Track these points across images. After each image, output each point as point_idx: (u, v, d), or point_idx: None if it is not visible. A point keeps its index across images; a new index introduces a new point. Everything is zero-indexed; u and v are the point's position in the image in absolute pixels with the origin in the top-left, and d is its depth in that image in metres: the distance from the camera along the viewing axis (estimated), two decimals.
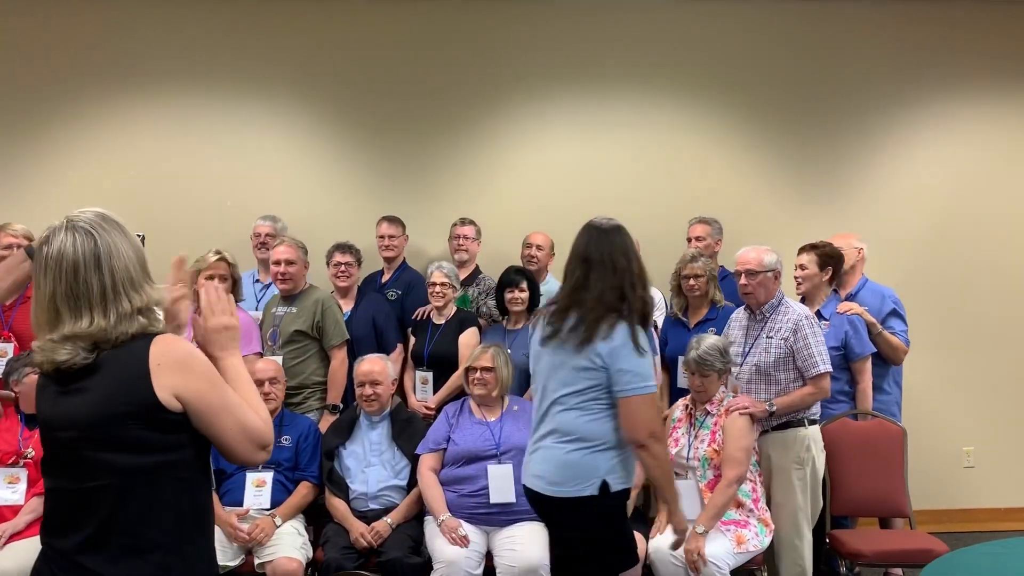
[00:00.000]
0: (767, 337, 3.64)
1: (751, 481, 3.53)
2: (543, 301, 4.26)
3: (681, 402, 3.77)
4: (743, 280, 3.74)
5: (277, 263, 4.13)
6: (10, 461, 3.44)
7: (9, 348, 3.84)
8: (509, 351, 3.96)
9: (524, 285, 4.18)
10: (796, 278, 4.13)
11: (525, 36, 5.22)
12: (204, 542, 1.76)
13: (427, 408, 4.18)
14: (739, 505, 3.49)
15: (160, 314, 1.75)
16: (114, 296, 1.66)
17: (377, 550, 3.48)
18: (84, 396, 1.64)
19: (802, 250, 4.15)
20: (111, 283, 1.66)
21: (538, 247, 4.62)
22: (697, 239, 4.61)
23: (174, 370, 1.64)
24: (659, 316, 4.60)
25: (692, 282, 4.15)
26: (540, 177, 5.20)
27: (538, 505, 2.70)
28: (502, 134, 5.23)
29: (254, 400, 1.76)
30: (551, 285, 4.57)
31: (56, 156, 5.03)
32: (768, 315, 3.68)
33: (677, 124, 5.28)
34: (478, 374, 3.69)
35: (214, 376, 1.70)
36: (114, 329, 1.65)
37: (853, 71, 5.34)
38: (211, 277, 3.84)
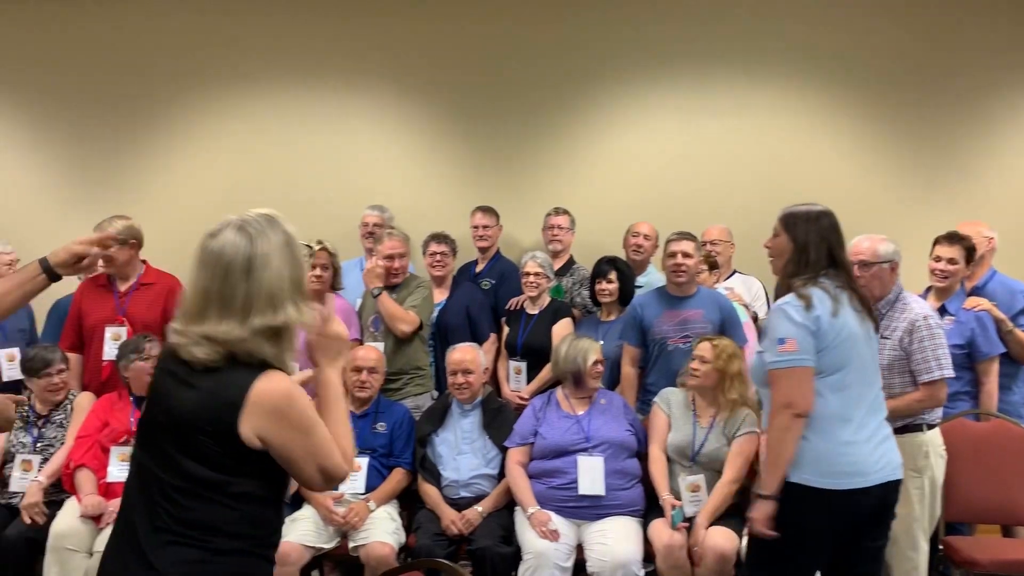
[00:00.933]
0: (881, 337, 3.35)
1: None
2: (640, 292, 4.19)
3: None
4: (856, 272, 3.53)
5: (389, 258, 4.18)
6: (122, 440, 3.62)
7: (123, 332, 4.02)
8: (602, 342, 3.90)
9: (612, 276, 4.12)
10: (936, 272, 3.80)
11: (619, 21, 5.13)
12: (262, 545, 1.73)
13: (520, 398, 4.17)
14: None
15: (294, 340, 1.71)
16: (252, 308, 1.64)
17: (468, 538, 3.49)
18: (188, 393, 1.66)
19: (943, 241, 3.81)
20: (255, 292, 1.65)
21: (645, 236, 4.55)
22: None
23: (267, 416, 1.64)
24: (761, 307, 4.46)
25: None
26: (638, 166, 5.12)
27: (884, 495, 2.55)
28: (598, 122, 5.17)
29: (341, 427, 1.73)
30: (652, 276, 4.49)
31: (168, 150, 5.29)
32: (884, 312, 3.28)
33: (782, 108, 5.10)
34: (599, 366, 3.67)
35: (305, 422, 1.67)
36: (247, 343, 1.64)
37: (974, 53, 5.00)
38: (313, 267, 3.95)
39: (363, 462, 3.69)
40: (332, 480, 1.71)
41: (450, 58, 5.18)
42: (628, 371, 3.96)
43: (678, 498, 3.47)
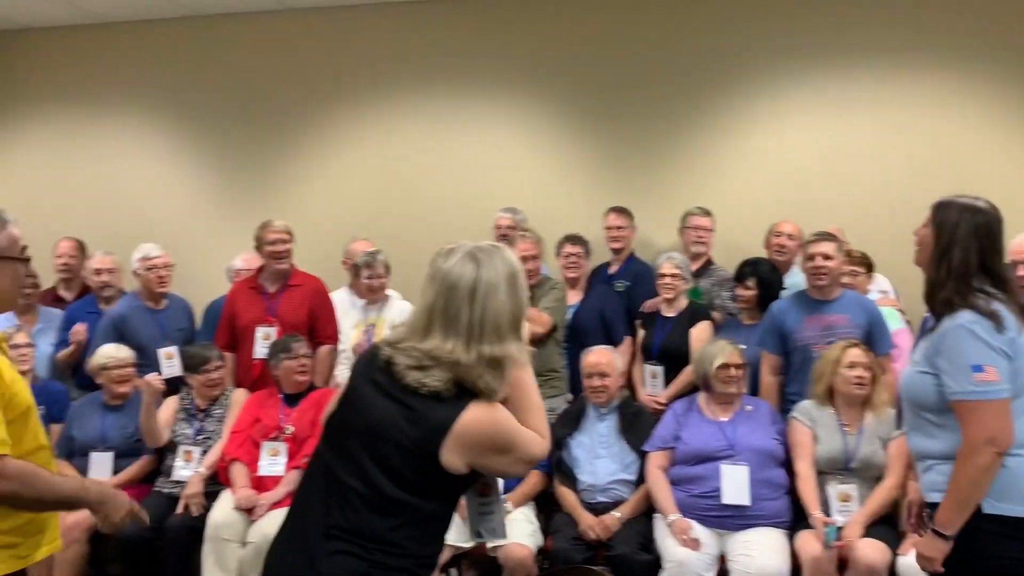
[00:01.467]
0: None
1: None
2: (787, 295, 4.03)
3: None
4: (1019, 272, 3.28)
5: (522, 260, 4.16)
6: (272, 436, 3.78)
7: (272, 332, 4.20)
8: (743, 347, 3.78)
9: (751, 283, 3.99)
10: None
11: (757, 16, 4.96)
12: (422, 566, 1.74)
13: (657, 403, 4.09)
14: None
15: (508, 373, 1.70)
16: (479, 333, 1.65)
17: (606, 543, 3.45)
18: (392, 406, 1.68)
19: None
20: (479, 319, 1.66)
21: (788, 236, 4.37)
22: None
23: (475, 448, 1.66)
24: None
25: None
26: (779, 163, 4.94)
27: None
28: (736, 119, 5.01)
29: (538, 417, 1.76)
30: (796, 277, 4.31)
31: (311, 160, 5.51)
32: None
33: (935, 99, 4.78)
34: (732, 371, 3.55)
35: (507, 441, 1.68)
36: (471, 369, 1.65)
37: None
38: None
39: None
40: (536, 462, 1.76)
41: (584, 59, 5.15)
42: (768, 380, 3.81)
43: (826, 509, 3.32)
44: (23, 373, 3.98)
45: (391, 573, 1.66)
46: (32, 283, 4.64)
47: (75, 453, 3.99)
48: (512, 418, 1.71)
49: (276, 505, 3.58)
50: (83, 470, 3.93)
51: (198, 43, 5.63)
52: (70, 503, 1.99)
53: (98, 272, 4.60)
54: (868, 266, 4.21)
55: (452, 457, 1.64)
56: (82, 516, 3.71)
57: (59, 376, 4.53)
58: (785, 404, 3.75)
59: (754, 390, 3.86)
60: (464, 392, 1.66)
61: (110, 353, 4.01)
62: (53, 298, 4.96)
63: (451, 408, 1.65)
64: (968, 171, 4.61)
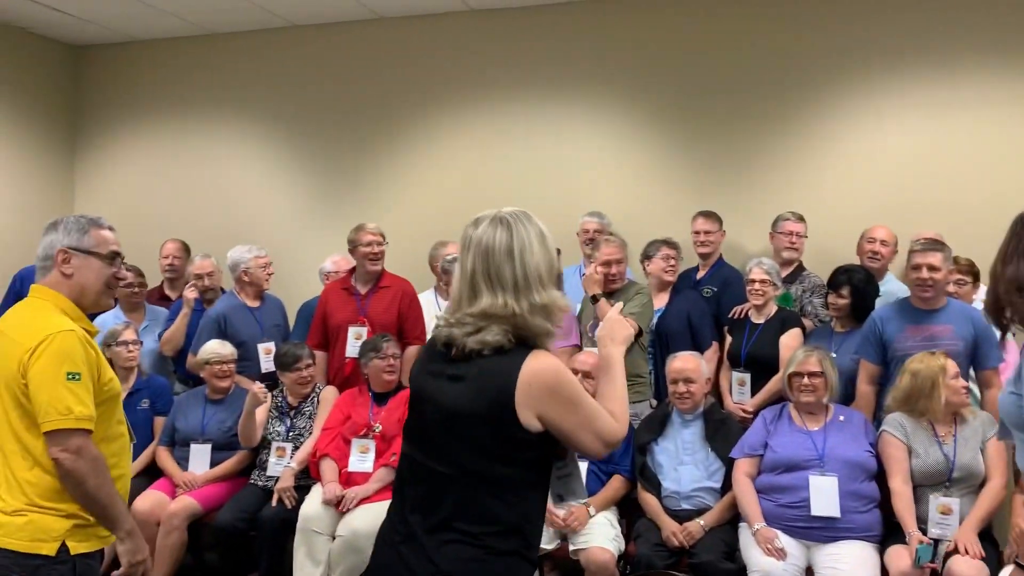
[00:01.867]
0: None
1: None
2: (880, 303, 3.91)
3: None
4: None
5: (607, 264, 4.14)
6: (361, 433, 3.88)
7: (363, 332, 4.32)
8: (835, 355, 3.68)
9: (845, 292, 3.88)
10: None
11: (850, 14, 4.82)
12: (529, 547, 1.79)
13: (744, 411, 4.02)
14: None
15: (557, 319, 1.81)
16: (525, 285, 1.75)
17: (689, 551, 3.42)
18: (456, 385, 1.75)
19: None
20: (522, 273, 1.75)
21: (882, 242, 4.26)
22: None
23: (541, 396, 1.71)
24: None
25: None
26: (873, 165, 4.78)
27: None
28: (827, 121, 4.88)
29: (620, 392, 1.84)
30: (890, 285, 4.19)
31: (403, 165, 5.63)
32: None
33: None
34: (805, 380, 3.47)
35: (573, 395, 1.74)
36: (527, 317, 1.74)
37: None
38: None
39: (583, 466, 3.72)
40: (610, 443, 1.77)
41: (671, 63, 5.11)
42: (864, 389, 3.70)
43: (924, 523, 3.22)
44: (128, 368, 4.27)
45: (503, 557, 1.72)
46: (139, 283, 4.89)
47: (177, 443, 4.20)
48: (576, 380, 1.78)
49: (366, 500, 3.68)
50: (183, 459, 4.13)
51: (296, 53, 5.83)
52: (109, 518, 2.14)
53: (198, 276, 4.81)
54: (974, 275, 4.05)
55: (524, 412, 1.70)
56: (182, 505, 3.91)
57: (162, 369, 4.76)
58: (880, 413, 3.64)
59: (849, 398, 3.77)
60: (522, 345, 1.74)
61: (214, 349, 4.21)
62: (159, 296, 5.22)
63: (512, 360, 1.72)
64: None
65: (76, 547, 2.10)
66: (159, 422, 4.34)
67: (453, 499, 1.73)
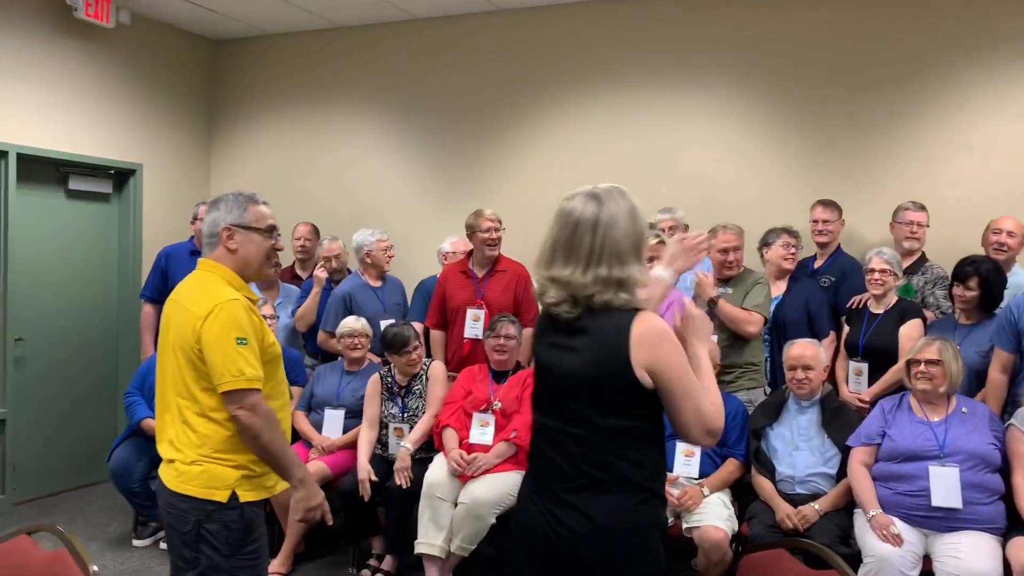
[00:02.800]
0: None
1: None
2: (1008, 296, 3.83)
3: None
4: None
5: (724, 251, 4.18)
6: (482, 408, 4.06)
7: (481, 314, 4.50)
8: (959, 347, 3.63)
9: (973, 284, 3.79)
10: None
11: (971, 3, 4.67)
12: (659, 491, 1.95)
13: (860, 400, 4.01)
14: None
15: (639, 292, 1.92)
16: (596, 259, 1.87)
17: (803, 535, 3.45)
18: (576, 355, 1.90)
19: None
20: (599, 247, 1.87)
21: (1009, 233, 4.14)
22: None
23: (651, 349, 1.84)
24: None
25: None
26: (998, 155, 4.63)
27: None
28: (949, 110, 4.74)
29: (713, 388, 1.92)
30: (1018, 277, 4.08)
31: (516, 151, 5.76)
32: None
33: None
34: (922, 367, 3.45)
35: (683, 361, 1.86)
36: (588, 288, 1.86)
37: None
38: (651, 259, 4.12)
39: (696, 448, 3.79)
40: (706, 426, 1.86)
41: (788, 50, 5.06)
42: (996, 377, 3.63)
43: None
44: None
45: (646, 503, 1.89)
46: (275, 262, 5.20)
47: (312, 408, 4.54)
48: (680, 348, 1.88)
49: (486, 472, 3.86)
50: (318, 423, 4.43)
51: (417, 44, 6.04)
52: (282, 468, 2.33)
53: (327, 258, 5.09)
54: None
55: (639, 365, 1.84)
56: (314, 468, 4.17)
57: (294, 343, 5.08)
58: (1011, 406, 3.57)
59: (972, 392, 3.71)
60: (625, 310, 1.88)
61: (351, 325, 4.52)
62: (291, 276, 5.54)
63: (620, 322, 1.86)
64: None
65: (244, 495, 2.30)
66: (295, 391, 4.64)
67: (591, 457, 1.88)
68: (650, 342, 1.84)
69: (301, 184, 6.39)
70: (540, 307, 2.06)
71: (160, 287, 5.20)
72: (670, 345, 1.85)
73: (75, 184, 5.73)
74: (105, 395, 6.03)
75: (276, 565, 4.17)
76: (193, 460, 2.29)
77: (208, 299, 2.30)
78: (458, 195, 5.85)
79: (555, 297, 1.91)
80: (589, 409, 1.88)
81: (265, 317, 4.47)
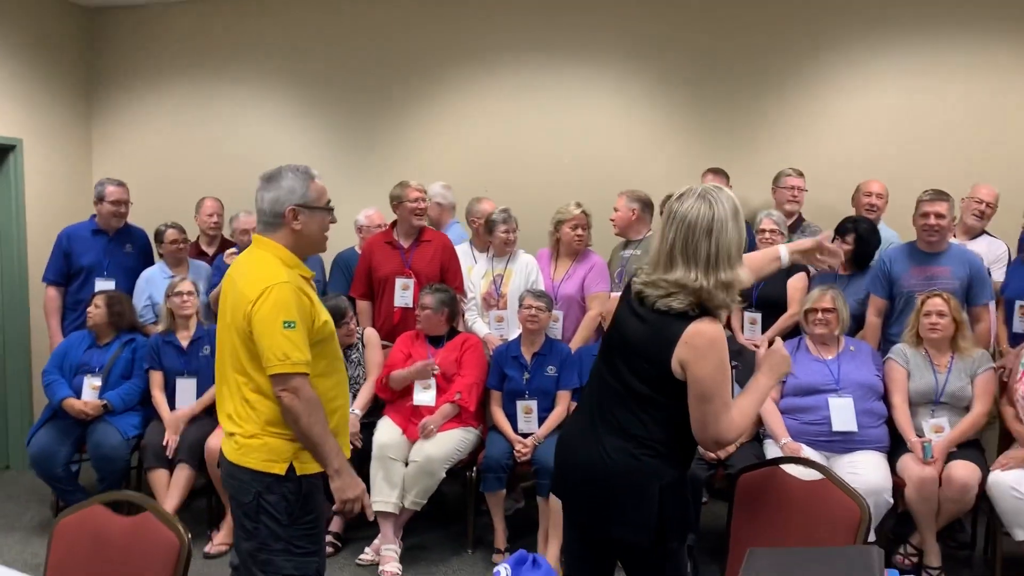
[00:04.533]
0: None
1: None
2: (889, 247, 4.43)
3: None
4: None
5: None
6: None
7: (410, 283, 4.65)
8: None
9: (850, 239, 4.36)
10: None
11: None
12: (676, 459, 2.21)
13: (755, 345, 4.51)
14: None
15: (736, 294, 2.11)
16: (716, 263, 2.04)
17: (724, 463, 3.90)
18: (640, 324, 2.17)
19: None
20: (715, 252, 2.04)
21: (877, 195, 4.74)
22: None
23: (692, 350, 2.06)
24: (999, 270, 4.55)
25: None
26: (865, 126, 5.24)
27: None
28: (824, 85, 5.31)
29: (747, 412, 2.14)
30: (885, 233, 4.69)
31: (423, 123, 5.92)
32: None
33: (1017, 68, 5.06)
34: (819, 314, 3.97)
35: (720, 370, 2.05)
36: (712, 291, 2.04)
37: None
38: (575, 227, 4.49)
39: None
40: (717, 440, 2.10)
41: (681, 32, 5.46)
42: (873, 320, 4.23)
43: (920, 436, 3.78)
44: (187, 316, 4.55)
45: (654, 459, 2.16)
46: (183, 239, 5.13)
47: None
48: (727, 368, 2.08)
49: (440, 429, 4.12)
50: None
51: (317, 16, 6.03)
52: (320, 454, 2.38)
53: (244, 232, 5.08)
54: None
55: (675, 359, 2.07)
56: None
57: (214, 317, 5.04)
58: (886, 344, 4.18)
59: (852, 334, 4.28)
60: (704, 311, 2.11)
61: None
62: (197, 252, 5.45)
63: (683, 323, 2.09)
64: None
65: (301, 468, 2.38)
66: None
67: (621, 409, 2.19)
68: (695, 345, 2.04)
69: (195, 158, 6.26)
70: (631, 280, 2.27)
71: (64, 269, 5.06)
72: (714, 355, 2.04)
73: None
74: None
75: (222, 536, 4.24)
76: (253, 434, 2.37)
77: (260, 281, 2.34)
78: (364, 168, 5.94)
79: (679, 303, 2.07)
80: (629, 371, 2.18)
81: (181, 294, 4.54)
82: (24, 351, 5.80)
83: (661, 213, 4.86)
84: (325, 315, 2.47)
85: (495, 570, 1.77)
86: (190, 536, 2.05)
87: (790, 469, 2.63)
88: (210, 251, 5.46)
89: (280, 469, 2.36)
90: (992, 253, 4.53)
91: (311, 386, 2.35)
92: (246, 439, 2.37)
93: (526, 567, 1.69)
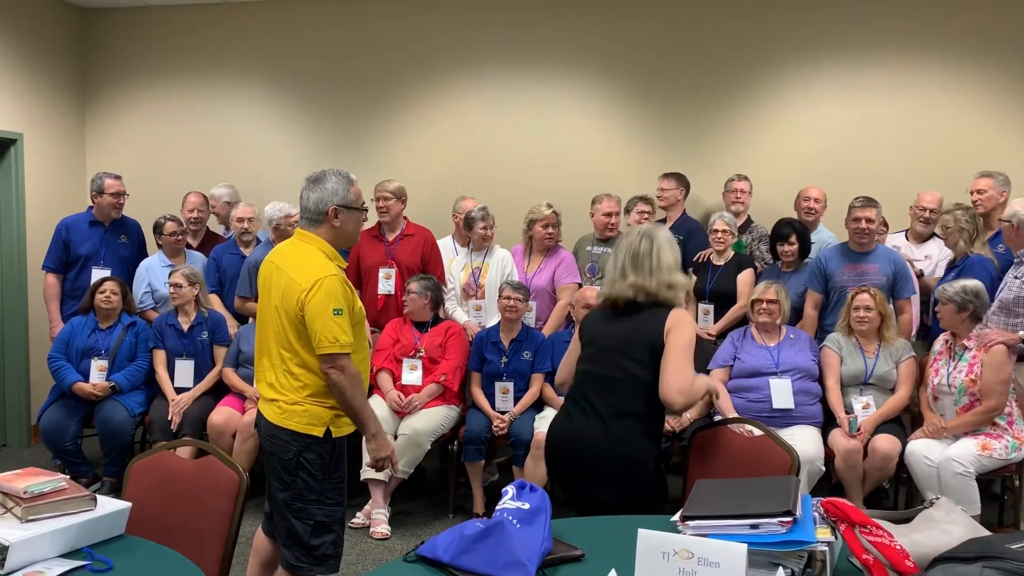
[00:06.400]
0: (1014, 277, 4.20)
1: (1008, 405, 4.09)
2: (815, 250, 4.97)
3: (942, 337, 4.38)
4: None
5: (608, 215, 5.14)
6: (410, 354, 4.70)
7: (392, 272, 5.07)
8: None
9: (793, 239, 4.89)
10: None
11: (789, 7, 5.77)
12: (658, 427, 2.87)
13: (708, 334, 5.02)
14: (993, 425, 4.09)
15: (681, 292, 2.90)
16: (659, 271, 2.85)
17: (679, 435, 4.40)
18: (626, 324, 2.84)
19: None
20: (659, 264, 2.86)
21: (815, 200, 5.27)
22: (978, 192, 4.89)
23: (676, 321, 2.78)
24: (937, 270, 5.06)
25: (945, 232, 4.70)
26: (806, 137, 5.78)
27: None
28: (770, 99, 5.84)
29: (698, 383, 2.81)
30: (823, 234, 5.23)
31: (404, 127, 6.33)
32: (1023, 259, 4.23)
33: (943, 88, 5.58)
34: (764, 304, 4.49)
35: (692, 337, 2.76)
36: (657, 290, 2.83)
37: None
38: (546, 226, 4.95)
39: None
40: (682, 388, 2.68)
41: (642, 46, 5.94)
42: (810, 313, 4.77)
43: (848, 413, 4.32)
44: (185, 304, 4.90)
45: (650, 437, 2.80)
46: (181, 231, 5.47)
47: (240, 364, 4.93)
48: (693, 336, 2.79)
49: (422, 408, 4.55)
50: (249, 377, 4.84)
51: (305, 22, 6.40)
52: (360, 421, 2.80)
53: (240, 220, 5.44)
54: (886, 224, 5.14)
55: (664, 329, 2.75)
56: (254, 416, 4.62)
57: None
58: (821, 333, 4.71)
59: (793, 324, 4.81)
60: (658, 305, 2.81)
61: None
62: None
63: (664, 313, 2.82)
64: (967, 152, 5.51)
65: (336, 431, 2.78)
66: (218, 351, 5.03)
67: (622, 395, 2.76)
68: (677, 317, 2.80)
69: (183, 154, 6.58)
70: (600, 301, 3.02)
71: (63, 258, 5.36)
72: (689, 326, 2.79)
73: None
74: None
75: None
76: (295, 401, 2.72)
77: (311, 273, 2.68)
78: (349, 167, 6.21)
79: (631, 293, 2.86)
80: (629, 361, 2.77)
81: (173, 285, 4.90)
82: (22, 335, 6.10)
83: (627, 212, 5.40)
84: (359, 303, 2.86)
85: (503, 490, 2.19)
86: (248, 474, 2.46)
87: (735, 427, 3.15)
88: (195, 243, 5.76)
89: (319, 432, 2.74)
90: (942, 254, 4.99)
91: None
92: (289, 405, 2.74)
93: (526, 491, 2.12)
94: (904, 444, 4.18)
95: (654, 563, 1.80)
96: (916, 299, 4.75)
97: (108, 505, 2.22)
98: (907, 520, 1.99)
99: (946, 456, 3.95)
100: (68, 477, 2.28)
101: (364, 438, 4.34)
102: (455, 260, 5.28)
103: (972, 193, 4.95)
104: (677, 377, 2.68)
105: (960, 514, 1.94)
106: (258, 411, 2.88)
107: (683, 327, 2.76)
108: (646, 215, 5.28)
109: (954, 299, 4.15)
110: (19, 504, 2.11)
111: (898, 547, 1.78)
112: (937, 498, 2.02)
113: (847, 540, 1.84)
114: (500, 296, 4.73)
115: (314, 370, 2.72)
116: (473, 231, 5.08)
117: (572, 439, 2.80)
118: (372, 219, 5.46)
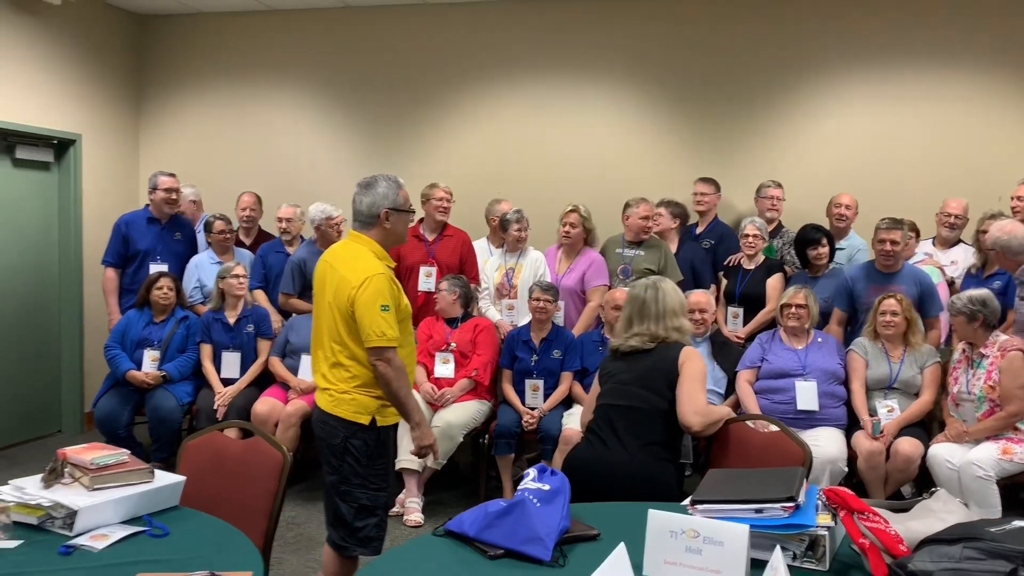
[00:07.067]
0: (1019, 298, 4.30)
1: None
2: (847, 255, 5.04)
3: (960, 345, 4.43)
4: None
5: (644, 219, 5.22)
6: (442, 348, 4.90)
7: (433, 271, 5.26)
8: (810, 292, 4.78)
9: (824, 242, 4.98)
10: None
11: (825, 18, 5.86)
12: (676, 453, 3.13)
13: (738, 337, 5.13)
14: (1015, 430, 4.14)
15: (687, 336, 3.28)
16: (664, 317, 3.21)
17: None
18: (642, 361, 3.16)
19: None
20: (664, 311, 3.22)
21: (847, 207, 5.35)
22: (1019, 199, 4.94)
23: (687, 356, 3.12)
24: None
25: (981, 238, 4.75)
26: (839, 145, 5.87)
27: None
28: (805, 108, 5.94)
29: (714, 409, 3.19)
30: (853, 240, 5.30)
31: (443, 131, 6.52)
32: None
33: (972, 99, 5.64)
34: (793, 309, 4.59)
35: (703, 369, 3.12)
36: (665, 333, 3.19)
37: None
38: (564, 224, 5.12)
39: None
40: (697, 410, 3.00)
41: (677, 55, 6.08)
42: (835, 329, 4.84)
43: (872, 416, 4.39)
44: (237, 296, 5.13)
45: (671, 462, 3.05)
46: (229, 229, 5.71)
47: (287, 354, 5.16)
48: (704, 368, 3.17)
49: (455, 401, 4.73)
50: (294, 367, 5.06)
51: (349, 30, 6.63)
52: (404, 411, 2.94)
53: (280, 220, 5.68)
54: (916, 232, 5.20)
55: (678, 361, 3.04)
56: (296, 407, 4.84)
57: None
58: (847, 338, 4.79)
59: (821, 327, 4.89)
60: (677, 345, 3.21)
61: None
62: (236, 241, 6.02)
63: (676, 350, 3.17)
64: (996, 160, 5.55)
65: (381, 420, 2.93)
66: (261, 344, 5.25)
67: (642, 422, 3.00)
68: (689, 353, 3.14)
69: (233, 156, 6.85)
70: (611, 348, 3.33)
71: (122, 252, 5.62)
72: (699, 360, 3.14)
73: (21, 153, 5.98)
74: (50, 354, 6.34)
75: None
76: (344, 391, 2.89)
77: (361, 271, 2.85)
78: (390, 170, 6.41)
79: (638, 342, 3.21)
80: (648, 393, 3.06)
81: (237, 276, 5.16)
82: (77, 327, 6.40)
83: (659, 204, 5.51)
84: (406, 300, 3.02)
85: (524, 472, 2.34)
86: (291, 454, 2.64)
87: (752, 424, 3.32)
88: (247, 241, 6.03)
89: (365, 420, 2.90)
90: (967, 260, 5.06)
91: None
92: (339, 394, 2.92)
93: (547, 474, 2.27)
94: (926, 447, 4.25)
95: (663, 541, 1.94)
96: (944, 316, 4.77)
97: (165, 478, 2.43)
98: (906, 510, 2.10)
99: (967, 460, 4.02)
100: (129, 452, 2.49)
101: (399, 431, 4.65)
102: (489, 260, 5.45)
103: (1013, 200, 4.99)
104: (692, 400, 3.00)
105: (957, 505, 2.05)
106: (314, 401, 3.06)
107: (695, 360, 3.10)
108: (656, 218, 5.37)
109: (963, 311, 4.22)
110: (86, 474, 2.32)
111: (892, 532, 1.90)
112: (936, 489, 2.13)
113: (846, 525, 1.96)
114: (530, 297, 4.89)
115: (362, 362, 2.88)
116: (508, 233, 5.24)
117: (595, 463, 3.01)
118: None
